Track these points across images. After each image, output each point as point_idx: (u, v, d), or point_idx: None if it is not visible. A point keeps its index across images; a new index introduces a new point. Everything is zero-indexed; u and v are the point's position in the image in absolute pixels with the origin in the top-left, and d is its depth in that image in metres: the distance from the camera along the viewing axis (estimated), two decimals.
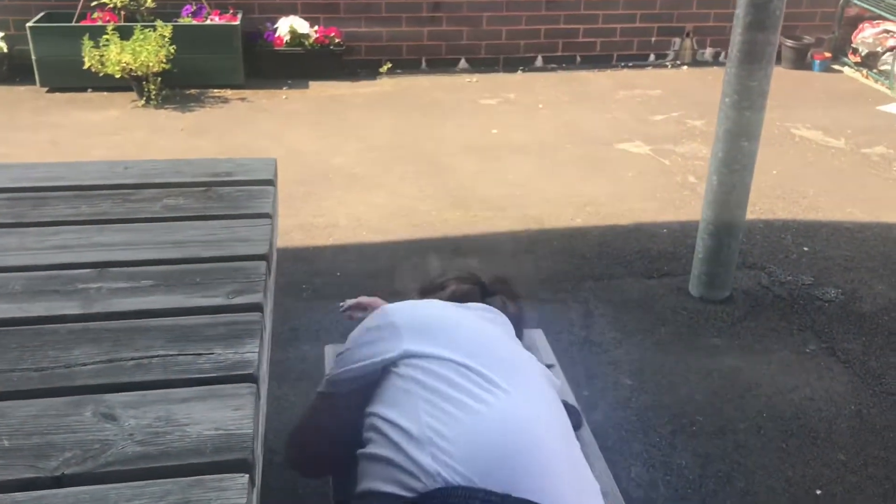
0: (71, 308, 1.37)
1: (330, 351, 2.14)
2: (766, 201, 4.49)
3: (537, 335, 2.23)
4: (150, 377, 1.20)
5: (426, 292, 1.86)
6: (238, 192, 1.83)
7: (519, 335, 1.72)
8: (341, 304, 2.21)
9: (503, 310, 1.72)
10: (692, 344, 3.27)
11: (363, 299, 2.28)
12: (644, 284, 3.68)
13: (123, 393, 1.17)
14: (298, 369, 3.08)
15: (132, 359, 1.24)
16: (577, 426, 1.73)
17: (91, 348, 1.26)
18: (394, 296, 3.51)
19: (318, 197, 4.47)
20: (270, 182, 1.90)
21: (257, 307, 1.39)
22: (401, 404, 1.37)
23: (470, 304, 1.67)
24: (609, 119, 5.79)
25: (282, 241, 4.08)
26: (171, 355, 1.26)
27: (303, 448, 1.57)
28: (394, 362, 1.43)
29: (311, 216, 4.27)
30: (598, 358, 3.18)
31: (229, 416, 1.12)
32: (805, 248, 4.03)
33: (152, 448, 1.06)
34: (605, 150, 5.22)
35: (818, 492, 2.56)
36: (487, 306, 1.68)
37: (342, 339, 3.29)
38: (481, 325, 1.56)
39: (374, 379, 1.45)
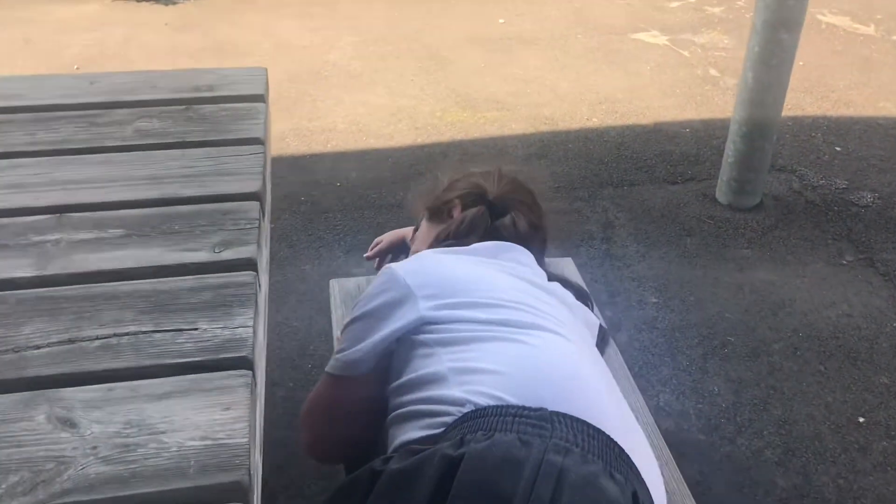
0: (23, 268, 1.13)
1: (335, 287, 1.91)
2: (794, 96, 4.18)
3: (566, 265, 2.00)
4: (118, 363, 0.97)
5: (434, 214, 1.60)
6: (223, 112, 1.56)
7: (540, 261, 1.49)
8: (367, 255, 1.97)
9: (514, 232, 1.48)
10: (720, 256, 3.04)
11: (378, 240, 2.04)
12: (667, 191, 3.43)
13: (85, 387, 0.94)
14: (299, 291, 2.87)
15: (97, 338, 1.01)
16: (603, 345, 1.54)
17: (46, 323, 1.03)
18: (401, 213, 3.26)
19: (312, 97, 4.16)
20: (261, 98, 1.62)
21: (250, 264, 1.14)
22: (424, 367, 1.19)
23: (482, 246, 1.41)
24: (622, 6, 5.40)
25: (276, 148, 3.81)
26: (145, 332, 1.02)
27: (323, 438, 1.37)
28: (411, 331, 1.22)
29: (307, 119, 3.97)
30: (620, 273, 2.96)
31: (217, 418, 0.89)
32: (837, 148, 3.75)
33: (121, 467, 0.83)
34: (619, 40, 4.87)
35: (861, 419, 2.39)
36: (501, 244, 1.43)
37: (346, 259, 3.09)
38: (501, 277, 1.32)
39: (391, 351, 1.26)
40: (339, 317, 1.81)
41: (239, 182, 1.34)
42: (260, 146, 1.45)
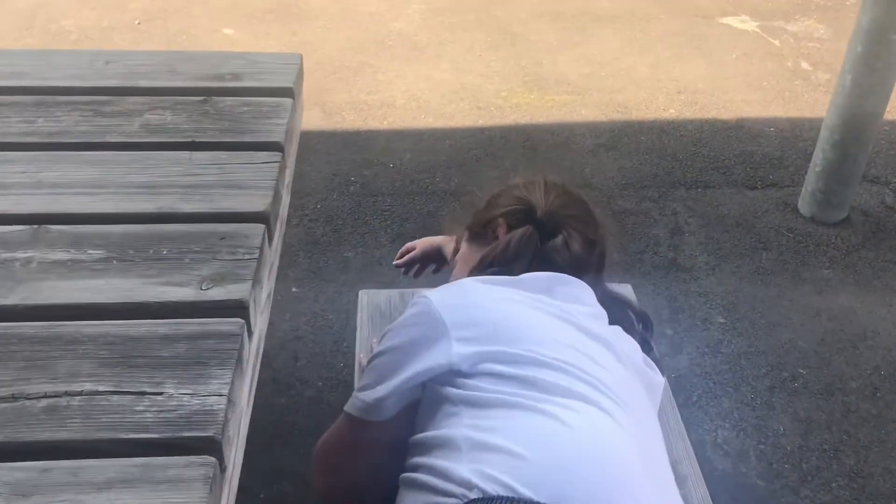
0: None
1: (364, 299, 1.73)
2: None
3: (623, 292, 1.78)
4: (62, 433, 0.81)
5: (475, 236, 1.40)
6: (244, 107, 1.38)
7: (598, 281, 1.30)
8: (396, 262, 1.80)
9: (567, 255, 1.27)
10: (798, 275, 2.78)
11: (410, 246, 1.85)
12: (744, 197, 3.15)
13: (19, 464, 0.78)
14: (338, 280, 2.71)
15: (45, 395, 0.85)
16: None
17: None
18: (453, 202, 3.06)
19: (373, 69, 3.97)
20: (290, 92, 1.44)
21: (240, 308, 0.97)
22: (445, 426, 1.03)
23: (533, 278, 1.21)
24: None
25: (332, 122, 3.64)
26: (101, 393, 0.85)
27: (337, 486, 1.21)
28: (439, 379, 1.06)
29: (366, 92, 3.79)
30: (686, 287, 2.72)
31: None
32: None
33: None
34: (705, 24, 4.54)
35: None
36: (555, 277, 1.22)
37: (390, 248, 2.90)
38: (552, 325, 1.12)
39: (418, 398, 1.10)
40: (363, 337, 1.64)
41: (246, 197, 1.16)
42: (277, 153, 1.26)
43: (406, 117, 3.61)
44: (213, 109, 1.37)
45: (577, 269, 1.27)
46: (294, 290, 2.68)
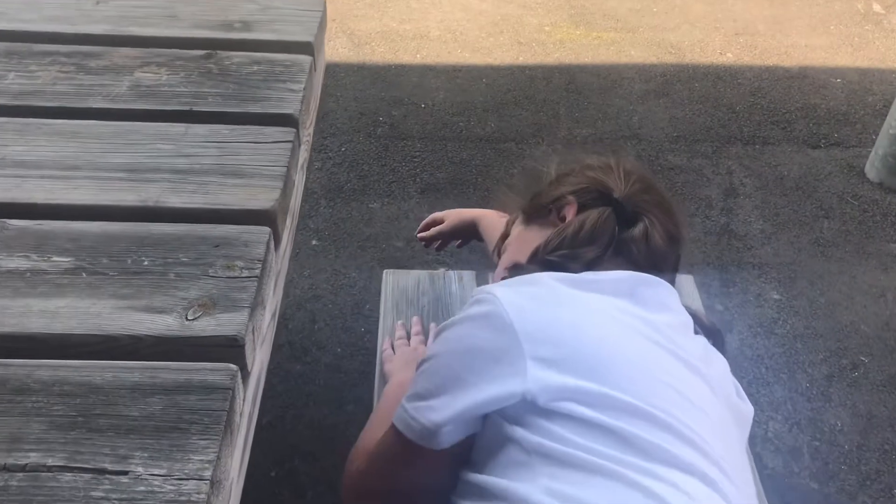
0: None
1: (389, 281, 1.53)
2: None
3: (685, 285, 1.57)
4: None
5: (535, 215, 1.18)
6: (254, 66, 1.16)
7: (672, 278, 1.10)
8: (420, 234, 1.60)
9: (645, 247, 1.07)
10: (862, 249, 2.54)
11: (438, 217, 1.63)
12: (806, 156, 2.89)
13: None
14: (362, 234, 2.50)
15: None
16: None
17: None
18: (487, 150, 2.82)
19: None
20: (309, 48, 1.21)
21: (233, 348, 0.77)
22: (515, 478, 0.84)
23: (615, 279, 1.00)
24: None
25: (360, 54, 3.38)
26: (49, 470, 0.67)
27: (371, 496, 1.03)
28: (506, 411, 0.86)
29: (398, 21, 3.51)
30: (739, 256, 2.49)
31: None
32: None
33: None
34: None
35: None
36: (639, 278, 1.01)
37: (419, 201, 2.67)
38: (643, 348, 0.92)
39: (479, 428, 0.90)
40: (387, 326, 1.44)
41: (249, 189, 0.95)
42: (290, 130, 1.04)
43: (441, 51, 3.35)
44: (217, 68, 1.15)
45: (654, 265, 1.06)
46: (314, 242, 2.49)
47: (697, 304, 1.55)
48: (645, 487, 0.80)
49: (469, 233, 1.59)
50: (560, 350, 0.86)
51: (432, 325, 1.43)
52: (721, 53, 3.40)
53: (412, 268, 2.41)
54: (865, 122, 3.02)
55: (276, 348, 2.25)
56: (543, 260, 1.06)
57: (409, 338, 1.43)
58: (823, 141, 2.95)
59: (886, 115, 2.73)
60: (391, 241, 2.49)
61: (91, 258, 0.85)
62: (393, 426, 0.93)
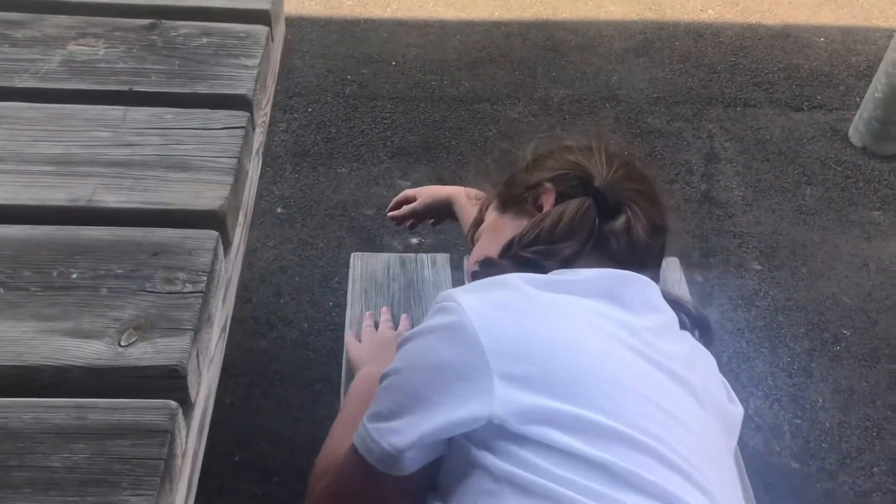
0: None
1: (357, 265, 1.43)
2: None
3: (669, 267, 1.48)
4: None
5: (509, 203, 1.09)
6: (203, 39, 1.04)
7: (655, 276, 1.01)
8: (390, 214, 1.50)
9: (626, 241, 0.98)
10: (845, 217, 2.47)
11: (410, 195, 1.53)
12: (788, 119, 2.80)
13: None
14: (330, 201, 2.40)
15: None
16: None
17: None
18: (461, 112, 2.71)
19: None
20: (266, 17, 1.09)
21: (174, 379, 0.67)
22: None
23: (594, 278, 0.91)
24: None
25: (327, 7, 3.22)
26: None
27: None
28: (475, 433, 0.79)
29: None
30: (720, 225, 2.42)
31: None
32: None
33: None
34: None
35: None
36: (619, 276, 0.93)
37: (390, 165, 2.55)
38: (620, 357, 0.84)
39: (444, 451, 0.84)
40: (354, 314, 1.35)
41: (194, 186, 0.84)
42: (244, 114, 0.93)
43: (412, 4, 3.21)
44: (162, 40, 1.03)
45: (636, 259, 0.98)
46: (279, 210, 2.37)
47: (684, 289, 1.47)
48: None
49: (443, 212, 1.50)
50: (530, 366, 0.79)
51: (404, 316, 1.34)
52: (702, 10, 3.29)
53: (382, 238, 2.32)
54: (849, 83, 2.94)
55: (240, 322, 2.16)
56: (517, 256, 0.97)
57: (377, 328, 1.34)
58: (806, 103, 2.87)
59: (871, 77, 2.65)
60: (360, 209, 2.38)
61: (11, 270, 0.75)
62: (354, 451, 0.85)
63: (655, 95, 2.85)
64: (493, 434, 0.78)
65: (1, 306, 0.72)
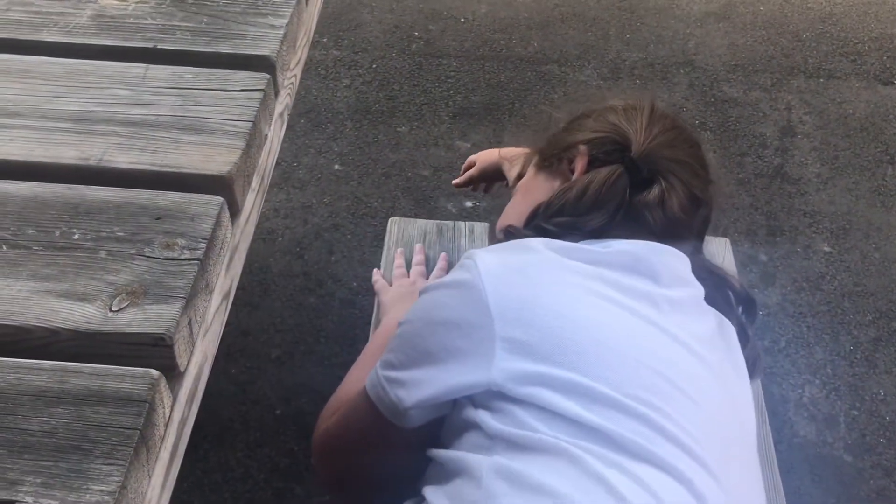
0: None
1: (393, 228, 1.41)
2: None
3: (720, 248, 1.42)
4: None
5: (546, 163, 1.07)
6: None
7: (696, 249, 1.01)
8: (456, 182, 1.57)
9: (660, 214, 0.95)
10: None
11: (471, 161, 1.54)
12: (875, 93, 2.65)
13: None
14: (387, 161, 2.38)
15: None
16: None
17: None
18: (528, 73, 2.65)
19: None
20: None
21: (159, 346, 0.67)
22: (468, 460, 0.80)
23: (617, 252, 0.89)
24: None
25: None
26: None
27: (346, 475, 1.02)
28: (478, 396, 0.83)
29: None
30: (790, 202, 2.31)
31: None
32: None
33: None
34: None
35: None
36: (647, 247, 0.91)
37: (451, 126, 2.50)
38: (636, 331, 0.85)
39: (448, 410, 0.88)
40: (388, 279, 1.34)
41: (206, 149, 0.83)
42: (264, 76, 0.91)
43: None
44: None
45: (671, 233, 0.95)
46: (337, 167, 2.37)
47: (731, 271, 1.41)
48: (607, 481, 0.73)
49: (495, 174, 1.48)
50: (535, 332, 0.80)
51: (443, 254, 1.35)
52: None
53: (437, 200, 2.30)
54: None
55: (291, 277, 2.18)
56: (539, 227, 0.96)
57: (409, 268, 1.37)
58: None
59: None
60: (417, 169, 2.36)
61: (15, 227, 0.75)
62: (366, 397, 0.89)
63: (733, 63, 2.72)
64: (492, 396, 0.80)
65: (1, 264, 0.72)
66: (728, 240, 1.45)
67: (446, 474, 0.83)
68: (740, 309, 1.06)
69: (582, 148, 1.00)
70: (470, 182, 1.54)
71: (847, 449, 1.82)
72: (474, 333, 0.81)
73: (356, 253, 2.17)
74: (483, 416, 0.80)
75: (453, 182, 1.58)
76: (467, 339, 0.82)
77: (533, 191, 1.07)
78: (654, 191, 0.96)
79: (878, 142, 2.48)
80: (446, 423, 0.88)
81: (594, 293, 0.85)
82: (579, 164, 1.00)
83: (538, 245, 0.88)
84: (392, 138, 2.45)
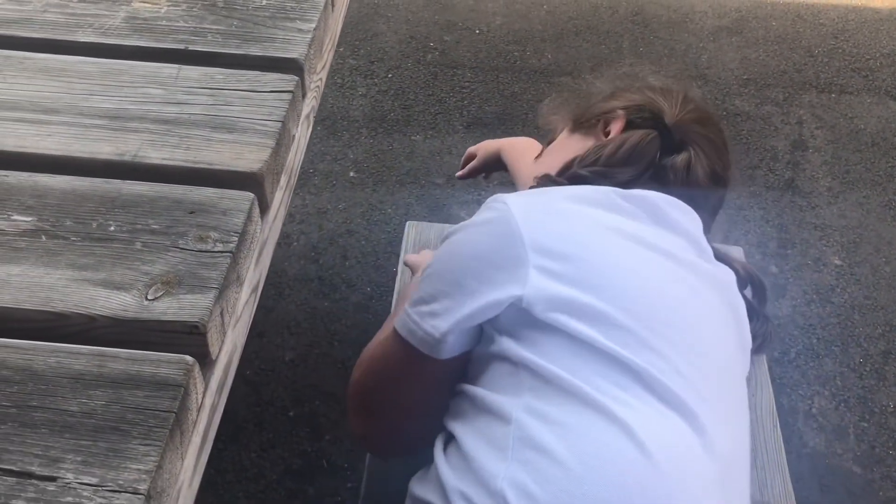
0: None
1: (411, 232, 1.44)
2: None
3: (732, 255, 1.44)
4: None
5: (582, 125, 1.14)
6: (263, 2, 1.05)
7: (707, 227, 1.04)
8: (459, 173, 1.60)
9: (685, 177, 1.03)
10: None
11: (471, 152, 1.58)
12: (886, 108, 2.67)
13: None
14: (402, 168, 2.41)
15: None
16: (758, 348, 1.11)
17: None
18: (540, 83, 2.67)
19: None
20: None
21: (193, 334, 0.69)
22: (501, 390, 0.84)
23: (641, 199, 0.94)
24: None
25: None
26: None
27: (380, 422, 1.01)
28: (503, 317, 0.85)
29: None
30: (801, 216, 2.33)
31: None
32: None
33: None
34: None
35: None
36: (666, 201, 0.96)
37: (465, 135, 2.54)
38: (656, 272, 0.89)
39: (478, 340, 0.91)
40: (405, 284, 1.36)
41: (237, 147, 0.85)
42: (293, 78, 0.94)
43: None
44: (224, 0, 1.04)
45: (690, 198, 1.01)
46: (352, 174, 2.39)
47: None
48: (623, 422, 0.77)
49: (494, 164, 1.51)
50: (565, 264, 0.84)
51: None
52: None
53: (451, 208, 2.32)
54: None
55: (305, 281, 2.20)
56: (575, 175, 1.02)
57: None
58: None
59: None
60: (431, 177, 2.38)
61: (54, 219, 0.78)
62: (395, 332, 0.90)
63: (746, 77, 2.75)
64: (518, 321, 0.83)
65: (41, 253, 0.74)
66: (741, 248, 1.47)
67: (475, 410, 0.85)
68: (749, 291, 1.13)
69: (620, 112, 1.08)
70: (473, 173, 1.57)
71: (856, 460, 1.83)
72: (508, 262, 0.84)
73: (370, 258, 2.19)
74: (508, 344, 0.83)
75: (457, 174, 1.61)
76: (500, 268, 0.84)
77: (568, 147, 1.13)
78: (683, 156, 1.03)
79: (888, 157, 2.50)
80: (473, 357, 0.91)
81: (615, 232, 0.89)
82: (616, 126, 1.07)
83: (557, 194, 0.93)
84: (406, 146, 2.47)
